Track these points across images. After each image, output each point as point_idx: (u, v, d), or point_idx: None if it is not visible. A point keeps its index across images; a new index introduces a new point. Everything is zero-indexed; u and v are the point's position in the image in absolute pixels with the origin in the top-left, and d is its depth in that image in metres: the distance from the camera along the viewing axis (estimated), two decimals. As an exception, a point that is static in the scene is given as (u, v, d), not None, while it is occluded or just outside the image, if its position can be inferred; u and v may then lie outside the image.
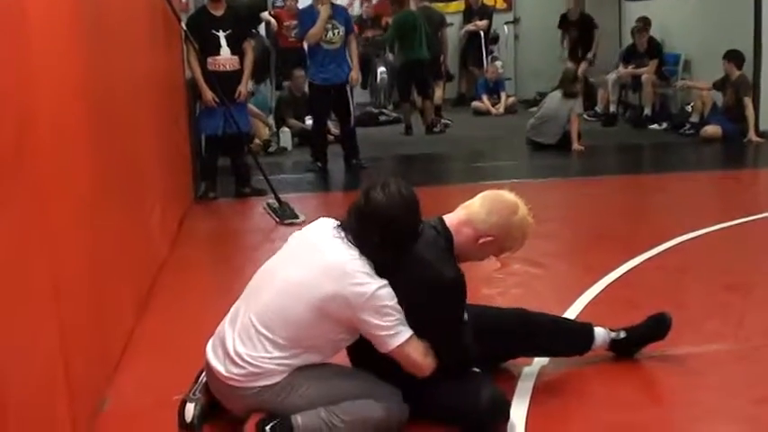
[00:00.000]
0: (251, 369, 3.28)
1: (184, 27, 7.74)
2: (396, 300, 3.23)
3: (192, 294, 5.34)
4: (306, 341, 3.29)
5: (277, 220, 7.07)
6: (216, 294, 5.38)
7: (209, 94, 7.82)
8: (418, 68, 12.20)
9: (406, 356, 3.28)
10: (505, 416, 3.37)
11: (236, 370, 3.31)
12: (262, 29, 13.67)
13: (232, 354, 3.32)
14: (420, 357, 3.29)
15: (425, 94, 12.51)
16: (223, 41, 7.95)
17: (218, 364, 3.38)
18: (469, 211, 3.42)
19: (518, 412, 3.49)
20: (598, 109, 13.43)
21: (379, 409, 3.32)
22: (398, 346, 3.25)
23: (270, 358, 3.27)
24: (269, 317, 3.30)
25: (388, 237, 3.28)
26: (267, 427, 3.29)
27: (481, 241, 3.37)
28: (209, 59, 7.89)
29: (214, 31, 7.91)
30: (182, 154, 7.65)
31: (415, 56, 12.08)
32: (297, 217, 7.02)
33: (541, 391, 3.66)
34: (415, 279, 3.28)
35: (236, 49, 8.04)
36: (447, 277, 3.30)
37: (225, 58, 7.98)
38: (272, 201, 7.36)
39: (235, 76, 8.01)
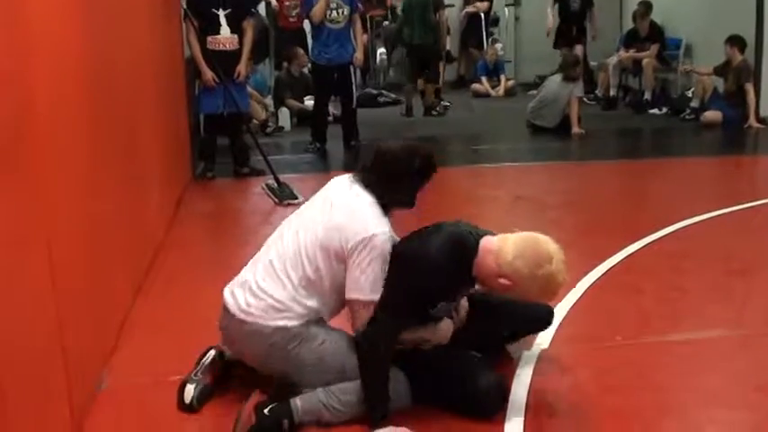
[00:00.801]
0: (270, 302, 3.38)
1: (184, 5, 7.68)
2: (387, 256, 3.29)
3: (190, 274, 5.31)
4: (316, 284, 3.37)
5: (276, 200, 7.03)
6: (213, 274, 5.32)
7: (208, 74, 7.77)
8: (424, 51, 12.27)
9: (354, 314, 3.34)
10: (503, 401, 3.36)
11: (254, 301, 3.41)
12: (261, 8, 13.60)
13: (254, 287, 3.44)
14: (367, 324, 3.30)
15: (427, 77, 12.50)
16: (223, 20, 7.89)
17: (235, 301, 3.49)
18: (502, 245, 3.28)
19: (518, 394, 3.49)
20: (598, 93, 13.39)
21: None
22: (355, 300, 3.31)
23: (288, 295, 3.37)
24: (287, 256, 3.43)
25: (380, 168, 3.45)
26: (266, 410, 3.28)
27: (500, 280, 3.26)
28: (209, 38, 7.83)
29: (214, 10, 7.84)
30: (180, 133, 7.60)
31: (421, 39, 12.14)
32: (296, 197, 6.98)
33: (540, 375, 3.63)
34: (407, 246, 3.37)
35: (236, 28, 7.97)
36: (428, 252, 3.29)
37: (224, 37, 7.91)
38: (270, 181, 7.33)
39: (234, 56, 7.95)
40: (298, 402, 3.31)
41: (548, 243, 3.27)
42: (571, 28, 13.25)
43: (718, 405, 3.38)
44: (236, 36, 7.96)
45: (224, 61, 7.81)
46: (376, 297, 3.29)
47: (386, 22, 15.24)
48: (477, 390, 3.30)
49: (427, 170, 3.52)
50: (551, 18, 13.35)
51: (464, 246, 3.31)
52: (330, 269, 3.35)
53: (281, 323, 3.36)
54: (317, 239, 3.37)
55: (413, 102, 12.31)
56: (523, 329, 3.88)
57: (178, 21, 7.81)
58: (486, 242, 3.32)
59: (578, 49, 12.86)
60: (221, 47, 7.89)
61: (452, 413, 3.35)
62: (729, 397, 3.45)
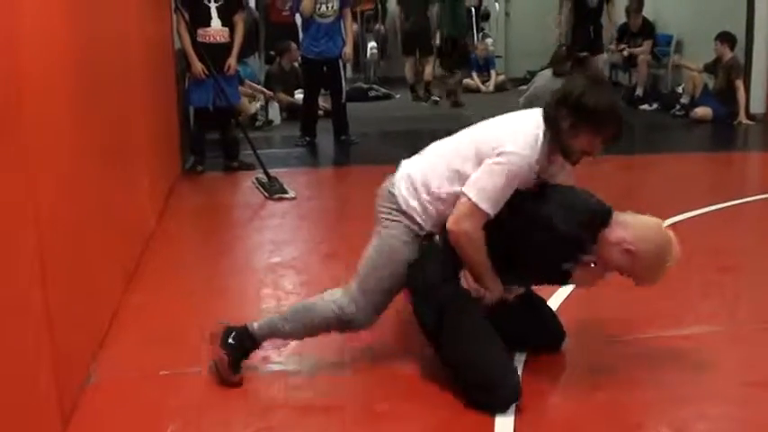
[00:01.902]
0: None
1: (175, -3, 7.67)
2: (516, 180, 3.36)
3: (180, 268, 5.30)
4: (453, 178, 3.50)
5: (266, 194, 7.01)
6: (203, 269, 5.36)
7: (198, 66, 7.74)
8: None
9: (458, 208, 3.38)
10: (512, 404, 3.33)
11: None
12: (251, 1, 13.58)
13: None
14: (462, 219, 3.36)
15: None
16: (214, 12, 7.86)
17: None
18: (635, 222, 3.40)
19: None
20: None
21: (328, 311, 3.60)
22: (466, 196, 3.37)
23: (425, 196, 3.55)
24: (448, 148, 3.69)
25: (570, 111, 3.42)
26: (229, 339, 3.58)
27: (625, 246, 3.32)
28: (200, 31, 7.80)
29: (206, 2, 7.81)
30: (170, 126, 7.58)
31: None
32: (286, 192, 6.97)
33: (530, 369, 3.62)
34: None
35: (227, 21, 7.94)
36: (568, 219, 3.35)
37: (215, 29, 7.89)
38: (260, 175, 7.31)
39: (225, 49, 7.92)
40: (254, 324, 3.62)
41: (672, 236, 3.41)
42: (588, 29, 11.89)
43: (708, 400, 3.38)
44: (226, 29, 7.93)
45: (214, 54, 7.79)
46: (484, 206, 3.34)
47: (378, 26, 15.22)
48: (497, 392, 3.29)
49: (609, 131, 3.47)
50: (564, 18, 12.00)
51: (598, 217, 3.39)
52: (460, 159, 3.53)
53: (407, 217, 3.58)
54: (475, 136, 3.60)
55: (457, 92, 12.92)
56: (534, 343, 3.84)
57: (168, 12, 7.78)
58: (619, 216, 3.39)
59: (601, 60, 12.13)
60: (212, 39, 7.86)
61: (453, 392, 3.38)
62: (719, 392, 3.45)
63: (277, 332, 3.67)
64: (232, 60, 7.97)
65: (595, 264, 3.47)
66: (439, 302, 3.44)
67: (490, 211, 3.36)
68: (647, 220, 3.41)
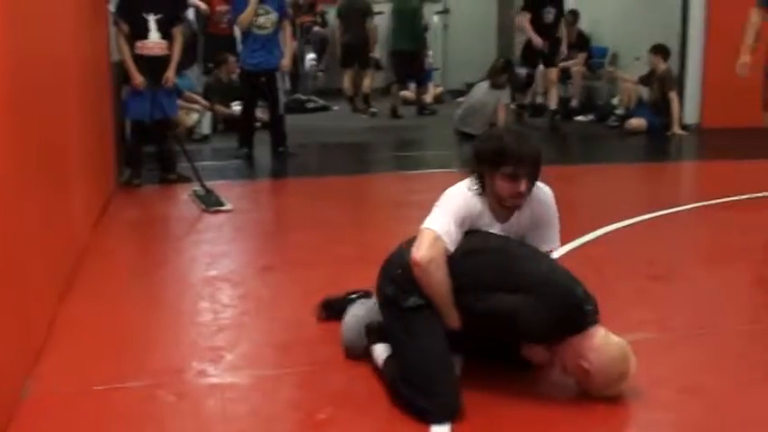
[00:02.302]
0: None
1: (112, 9, 7.59)
2: (458, 213, 3.49)
3: (115, 282, 5.24)
4: None
5: (203, 207, 6.97)
6: (139, 282, 5.31)
7: (138, 78, 7.68)
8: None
9: (419, 240, 3.45)
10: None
11: None
12: (190, 13, 13.50)
13: None
14: (424, 248, 3.41)
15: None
16: (152, 25, 7.81)
17: None
18: (603, 343, 3.39)
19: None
20: (525, 100, 13.51)
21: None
22: (426, 229, 3.47)
23: None
24: None
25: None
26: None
27: (582, 363, 3.37)
28: (138, 43, 7.75)
29: (144, 15, 7.77)
30: (105, 139, 7.50)
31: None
32: (222, 204, 6.95)
33: (466, 376, 3.63)
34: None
35: (166, 33, 7.90)
36: (540, 319, 3.34)
37: (154, 42, 7.83)
38: (197, 188, 7.27)
39: (163, 61, 7.87)
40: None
41: (629, 370, 3.42)
42: (544, 43, 11.89)
43: (642, 407, 3.42)
44: (165, 41, 7.89)
45: (152, 67, 7.75)
46: (443, 236, 3.42)
47: (316, 28, 15.24)
48: (437, 409, 3.27)
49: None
50: (530, 29, 11.75)
51: (575, 320, 3.38)
52: None
53: None
54: None
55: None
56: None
57: (105, 25, 7.72)
58: (593, 332, 3.38)
59: (553, 73, 12.24)
60: (150, 52, 7.80)
61: (393, 401, 3.41)
62: (652, 398, 3.49)
63: None
64: (170, 73, 7.92)
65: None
66: (402, 309, 3.49)
67: (447, 240, 3.42)
68: (615, 351, 3.39)
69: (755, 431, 3.29)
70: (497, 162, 3.49)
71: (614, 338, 3.43)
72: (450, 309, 3.48)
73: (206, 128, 10.88)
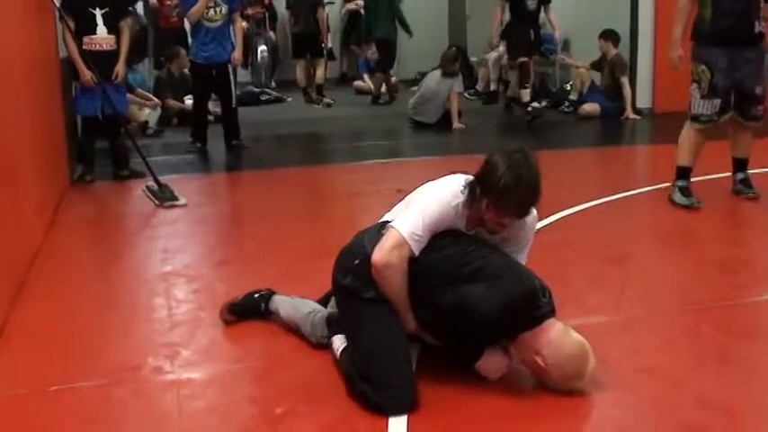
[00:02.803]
0: None
1: (58, 4, 7.50)
2: (431, 220, 3.43)
3: (69, 281, 5.19)
4: None
5: (156, 202, 6.91)
6: (93, 280, 5.28)
7: (87, 74, 7.58)
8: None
9: (385, 240, 3.42)
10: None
11: None
12: (139, 7, 13.39)
13: None
14: (383, 249, 3.39)
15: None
16: (99, 20, 7.70)
17: None
18: (561, 337, 3.37)
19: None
20: (479, 87, 13.55)
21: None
22: (395, 230, 3.42)
23: None
24: None
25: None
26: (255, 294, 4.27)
27: (536, 358, 3.37)
28: (85, 38, 7.64)
29: (90, 9, 7.66)
30: (56, 136, 7.42)
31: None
32: (177, 199, 6.89)
33: (421, 369, 3.63)
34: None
35: (113, 28, 7.81)
36: (491, 311, 3.32)
37: (101, 37, 7.73)
38: (151, 183, 7.21)
39: (111, 56, 7.78)
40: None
41: (587, 369, 3.39)
42: (527, 32, 11.39)
43: (601, 389, 3.44)
44: (113, 36, 7.79)
45: (101, 62, 7.65)
46: (411, 242, 3.40)
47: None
48: (383, 399, 3.27)
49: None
50: (498, 19, 11.38)
51: (530, 310, 3.36)
52: None
53: None
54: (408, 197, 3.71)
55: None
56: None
57: (52, 21, 7.62)
58: (549, 327, 3.35)
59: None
60: (98, 47, 7.71)
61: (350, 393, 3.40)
62: (611, 380, 3.51)
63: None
64: (119, 68, 7.84)
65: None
66: (359, 300, 3.47)
67: (413, 246, 3.40)
68: (571, 349, 3.37)
69: (710, 406, 3.32)
70: (502, 205, 3.44)
71: (573, 336, 3.41)
72: (406, 312, 3.47)
73: (152, 123, 10.75)
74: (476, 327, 3.38)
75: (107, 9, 7.71)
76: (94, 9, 7.67)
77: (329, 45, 14.28)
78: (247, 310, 4.24)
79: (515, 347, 3.46)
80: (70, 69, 7.76)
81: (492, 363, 3.48)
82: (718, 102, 6.27)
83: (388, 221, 3.57)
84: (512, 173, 3.36)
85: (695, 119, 6.38)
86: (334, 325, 3.74)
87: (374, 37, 13.56)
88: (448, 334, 3.52)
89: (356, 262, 3.52)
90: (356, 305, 3.50)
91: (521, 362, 3.49)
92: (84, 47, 7.61)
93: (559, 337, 3.36)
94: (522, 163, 3.41)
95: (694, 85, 6.35)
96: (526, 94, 11.29)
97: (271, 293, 4.25)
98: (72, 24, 7.54)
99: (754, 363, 3.79)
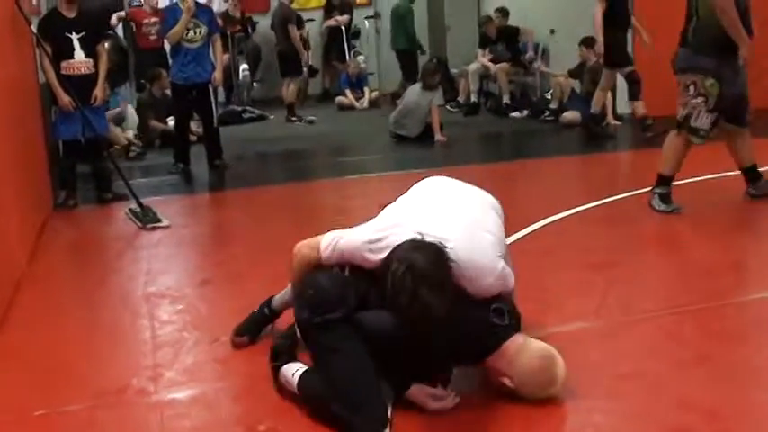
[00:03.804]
0: None
1: (35, 31, 7.51)
2: (347, 251, 3.51)
3: (53, 306, 5.18)
4: None
5: (139, 225, 6.92)
6: (77, 304, 5.27)
7: (65, 99, 7.60)
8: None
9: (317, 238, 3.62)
10: None
11: None
12: (120, 30, 13.42)
13: None
14: (306, 241, 3.65)
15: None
16: (77, 44, 7.74)
17: None
18: (520, 353, 3.37)
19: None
20: (460, 99, 13.60)
21: None
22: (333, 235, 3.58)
23: None
24: None
25: None
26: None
27: (504, 380, 3.39)
28: (63, 63, 7.67)
29: (67, 34, 7.69)
30: (38, 161, 7.42)
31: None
32: (159, 221, 6.91)
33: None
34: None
35: (90, 51, 7.84)
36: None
37: (79, 61, 7.76)
38: (134, 206, 7.21)
39: (90, 80, 7.80)
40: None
41: (558, 374, 3.38)
42: (626, 38, 10.57)
43: (582, 395, 3.45)
44: (90, 60, 7.83)
45: (80, 86, 7.67)
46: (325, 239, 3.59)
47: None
48: (357, 420, 3.22)
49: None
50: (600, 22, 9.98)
51: (483, 338, 3.37)
52: None
53: None
54: None
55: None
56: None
57: (30, 47, 7.63)
58: (509, 345, 3.36)
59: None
60: (76, 71, 7.74)
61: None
62: (591, 387, 3.52)
63: None
64: (98, 91, 7.86)
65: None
66: (320, 328, 3.40)
67: (322, 257, 3.57)
68: (535, 364, 3.37)
69: (693, 409, 3.33)
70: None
71: (534, 348, 3.40)
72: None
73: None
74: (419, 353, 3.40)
75: (84, 33, 7.74)
76: (71, 34, 7.70)
77: (309, 62, 14.33)
78: (254, 323, 4.22)
79: (487, 370, 3.47)
80: (50, 95, 7.77)
81: (417, 395, 3.43)
82: (716, 116, 6.19)
83: None
84: (394, 293, 3.15)
85: (694, 132, 6.25)
86: (285, 354, 3.68)
87: (395, 48, 14.41)
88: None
89: (309, 292, 3.48)
90: (318, 335, 3.41)
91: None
92: (62, 71, 7.63)
93: (519, 355, 3.35)
94: (402, 286, 3.11)
95: (700, 99, 6.15)
96: (641, 107, 10.35)
97: (270, 297, 4.24)
98: (49, 49, 7.56)
99: (736, 364, 3.80)
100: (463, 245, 3.35)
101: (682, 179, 6.72)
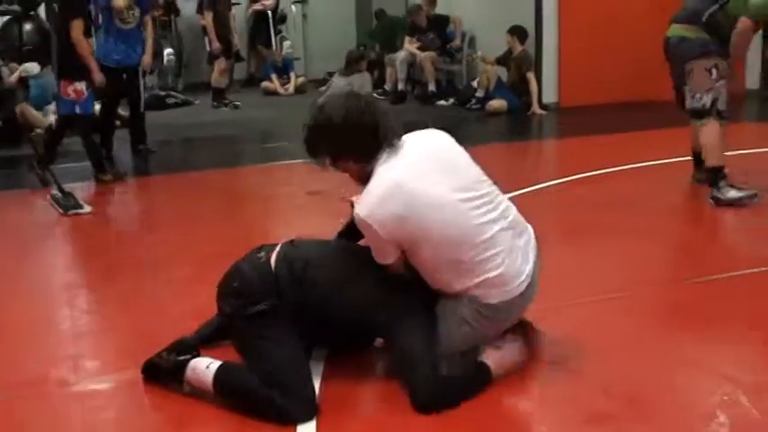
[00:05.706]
0: None
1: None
2: None
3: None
4: None
5: (61, 211, 6.78)
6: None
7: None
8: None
9: None
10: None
11: None
12: (42, 12, 13.11)
13: None
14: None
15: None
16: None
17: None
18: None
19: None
20: (387, 87, 13.58)
21: None
22: None
23: None
24: None
25: None
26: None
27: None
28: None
29: None
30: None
31: None
32: (81, 207, 6.77)
33: (331, 369, 3.62)
34: None
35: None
36: None
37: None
38: (55, 191, 7.07)
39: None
40: None
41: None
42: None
43: (508, 382, 3.45)
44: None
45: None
46: None
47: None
48: (287, 403, 3.21)
49: None
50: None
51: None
52: None
53: None
54: None
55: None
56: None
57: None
58: None
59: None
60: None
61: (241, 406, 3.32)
62: (519, 373, 3.54)
63: None
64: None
65: None
66: (247, 319, 3.38)
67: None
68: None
69: (615, 395, 3.36)
70: None
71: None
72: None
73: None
74: None
75: None
76: None
77: (237, 45, 14.17)
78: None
79: None
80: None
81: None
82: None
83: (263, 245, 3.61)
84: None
85: (720, 115, 6.21)
86: (192, 349, 3.58)
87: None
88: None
89: (234, 285, 3.47)
90: (246, 325, 3.40)
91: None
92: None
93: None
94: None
95: (723, 82, 6.14)
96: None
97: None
98: None
99: (658, 350, 3.84)
100: None
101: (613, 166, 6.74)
